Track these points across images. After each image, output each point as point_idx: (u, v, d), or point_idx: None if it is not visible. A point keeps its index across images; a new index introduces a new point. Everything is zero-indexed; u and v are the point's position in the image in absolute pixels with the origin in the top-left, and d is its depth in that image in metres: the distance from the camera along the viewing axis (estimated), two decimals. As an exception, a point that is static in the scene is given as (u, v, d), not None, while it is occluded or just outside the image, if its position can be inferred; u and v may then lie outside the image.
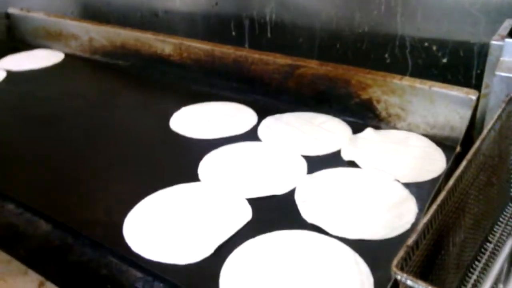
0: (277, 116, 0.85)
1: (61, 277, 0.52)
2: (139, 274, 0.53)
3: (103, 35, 1.17)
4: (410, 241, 0.38)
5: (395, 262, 0.36)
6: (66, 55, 1.23)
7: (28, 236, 0.59)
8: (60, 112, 0.92)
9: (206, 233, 0.56)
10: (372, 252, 0.54)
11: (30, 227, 0.60)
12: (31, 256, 0.55)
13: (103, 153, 0.76)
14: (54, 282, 0.49)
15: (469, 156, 0.47)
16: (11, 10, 1.36)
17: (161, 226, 0.58)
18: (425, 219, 0.40)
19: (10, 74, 1.11)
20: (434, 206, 0.41)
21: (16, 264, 0.50)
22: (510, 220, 0.59)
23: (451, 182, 0.44)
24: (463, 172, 0.45)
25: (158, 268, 0.52)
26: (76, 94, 1.01)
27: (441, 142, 0.74)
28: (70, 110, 0.93)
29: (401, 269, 0.36)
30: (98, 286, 0.51)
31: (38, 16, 1.30)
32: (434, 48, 0.83)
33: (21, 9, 1.35)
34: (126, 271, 0.53)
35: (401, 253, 0.37)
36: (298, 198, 0.62)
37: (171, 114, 0.87)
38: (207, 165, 0.70)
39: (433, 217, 0.41)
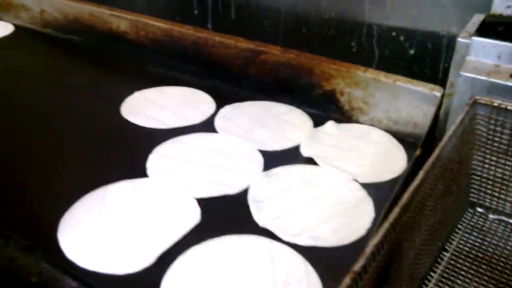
0: (236, 105, 0.81)
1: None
2: (74, 284, 0.48)
3: (56, 7, 1.09)
4: (358, 266, 0.35)
5: (340, 290, 0.33)
6: (16, 27, 1.14)
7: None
8: (2, 90, 0.85)
9: (148, 238, 0.52)
10: (324, 260, 0.51)
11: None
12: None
13: (42, 140, 0.70)
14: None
15: (426, 166, 0.44)
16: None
17: (100, 230, 0.53)
18: (375, 240, 0.37)
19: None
20: (386, 224, 0.38)
21: None
22: (469, 226, 0.57)
23: (405, 196, 0.41)
24: (419, 185, 0.42)
25: (95, 278, 0.48)
26: (23, 70, 0.94)
27: (403, 138, 0.72)
28: (15, 88, 0.86)
29: (347, 297, 0.33)
30: (27, 296, 0.47)
31: (-15, -17, 1.20)
32: (402, 38, 0.79)
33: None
34: (60, 279, 0.49)
35: (346, 281, 0.34)
36: (250, 199, 0.59)
37: (123, 99, 0.82)
38: (157, 159, 0.66)
39: (385, 236, 0.38)
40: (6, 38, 1.10)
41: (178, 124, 0.75)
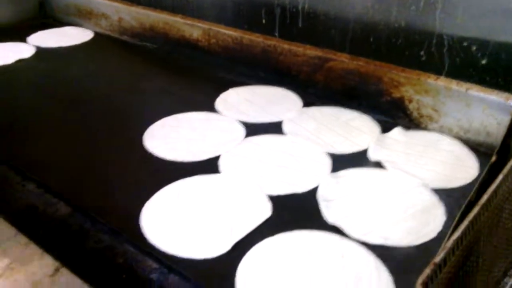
0: (303, 109, 0.83)
1: (77, 263, 0.51)
2: (154, 265, 0.52)
3: (133, 16, 1.16)
4: (438, 258, 0.36)
5: (420, 280, 0.34)
6: (96, 34, 1.23)
7: (47, 218, 0.59)
8: (84, 93, 0.92)
9: (224, 228, 0.55)
10: (394, 259, 0.52)
11: (49, 209, 0.60)
12: (49, 239, 0.55)
13: (123, 138, 0.75)
14: (69, 268, 0.49)
15: (506, 170, 0.44)
16: (44, -14, 1.36)
17: (179, 218, 0.57)
18: (455, 235, 0.37)
19: (40, 50, 1.11)
20: (465, 222, 0.39)
21: (33, 248, 0.50)
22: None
23: (485, 197, 0.41)
24: (498, 186, 0.43)
25: (174, 261, 0.51)
26: (101, 75, 1.01)
27: (475, 147, 0.71)
28: (94, 91, 0.92)
29: (426, 287, 0.34)
30: (114, 275, 0.51)
31: (70, -7, 1.30)
32: (474, 48, 0.79)
33: (54, -15, 1.35)
34: (141, 261, 0.53)
35: (427, 271, 0.35)
36: (320, 198, 0.60)
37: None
38: (229, 157, 0.69)
39: (464, 233, 0.38)
40: (86, 43, 1.18)
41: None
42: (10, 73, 1.00)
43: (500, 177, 0.43)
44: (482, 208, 0.40)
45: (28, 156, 0.71)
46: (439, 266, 0.36)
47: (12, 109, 0.86)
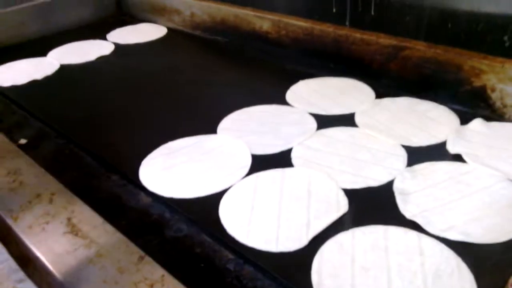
0: (376, 101, 0.81)
1: (158, 251, 0.54)
2: (230, 256, 0.54)
3: (205, 10, 1.18)
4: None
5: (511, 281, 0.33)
6: (169, 29, 1.27)
7: (130, 208, 0.62)
8: (160, 87, 0.96)
9: (301, 222, 0.56)
10: (476, 257, 0.50)
11: (132, 200, 0.64)
12: (132, 228, 0.58)
13: (198, 130, 0.77)
14: (152, 256, 0.52)
15: None
16: (121, -15, 1.43)
17: (256, 210, 0.58)
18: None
19: (118, 47, 1.17)
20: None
21: (118, 237, 0.53)
22: None
23: None
24: None
25: (251, 253, 0.53)
26: (175, 69, 1.04)
27: None
28: (169, 85, 0.96)
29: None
30: (193, 263, 0.53)
31: (144, -10, 1.35)
32: None
33: (129, -17, 1.41)
34: (218, 250, 0.54)
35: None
36: (396, 192, 0.59)
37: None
38: (300, 150, 0.69)
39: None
40: (161, 39, 1.23)
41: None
42: (93, 69, 1.07)
43: None
44: None
45: (110, 147, 0.75)
46: (530, 268, 0.34)
47: (96, 103, 0.91)
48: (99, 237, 0.54)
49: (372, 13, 0.96)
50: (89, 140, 0.77)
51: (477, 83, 0.75)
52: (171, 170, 0.67)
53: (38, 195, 0.61)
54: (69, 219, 0.57)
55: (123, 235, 0.54)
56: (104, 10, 1.41)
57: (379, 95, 0.83)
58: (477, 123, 0.71)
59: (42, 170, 0.66)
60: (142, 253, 0.51)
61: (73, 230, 0.55)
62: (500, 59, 0.73)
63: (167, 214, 0.61)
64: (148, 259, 0.50)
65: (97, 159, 0.72)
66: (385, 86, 0.86)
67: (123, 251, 0.51)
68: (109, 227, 0.55)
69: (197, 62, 1.09)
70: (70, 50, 1.17)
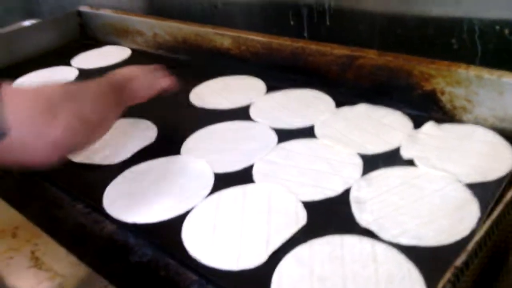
0: (336, 110, 0.83)
1: (124, 278, 0.55)
2: (194, 277, 0.55)
3: (166, 30, 1.20)
4: (459, 262, 0.36)
5: (441, 284, 0.35)
6: (133, 50, 1.28)
7: (95, 236, 0.63)
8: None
9: (261, 238, 0.57)
10: (427, 260, 0.51)
11: (97, 228, 0.65)
12: (97, 257, 0.59)
13: (161, 152, 0.79)
14: (117, 283, 0.53)
15: (532, 165, 0.43)
16: (82, 8, 1.43)
17: (218, 230, 0.59)
18: (476, 237, 0.37)
19: (82, 72, 1.18)
20: (488, 222, 0.39)
21: (82, 268, 0.54)
22: None
23: (509, 194, 0.41)
24: (524, 183, 0.42)
25: (213, 273, 0.54)
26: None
27: (511, 136, 0.69)
28: (133, 106, 0.96)
29: (448, 293, 0.35)
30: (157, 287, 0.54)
31: (106, 13, 1.36)
32: (506, 31, 0.76)
33: (91, 7, 1.42)
34: (182, 273, 0.56)
35: (447, 275, 0.35)
36: (352, 201, 0.61)
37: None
38: (261, 165, 0.71)
39: (487, 234, 0.38)
40: (125, 61, 1.23)
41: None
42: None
43: (526, 173, 0.43)
44: (506, 206, 0.40)
45: (74, 175, 0.76)
46: (461, 270, 0.36)
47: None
48: (63, 269, 0.55)
49: (328, 23, 0.99)
50: (52, 169, 0.78)
51: (427, 87, 0.78)
52: (135, 195, 0.68)
53: (2, 230, 0.61)
54: (33, 253, 0.57)
55: (87, 265, 0.55)
56: (68, 36, 1.41)
57: (339, 104, 0.85)
58: (429, 127, 0.73)
59: (4, 203, 0.66)
60: (106, 282, 0.52)
61: (37, 263, 0.56)
62: (446, 62, 0.76)
63: (132, 240, 0.62)
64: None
65: (61, 189, 0.73)
66: (344, 95, 0.88)
67: (87, 283, 0.52)
68: (73, 259, 0.56)
69: (161, 82, 1.10)
70: (33, 79, 1.17)
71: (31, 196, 0.73)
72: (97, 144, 0.71)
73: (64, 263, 0.55)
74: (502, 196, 0.43)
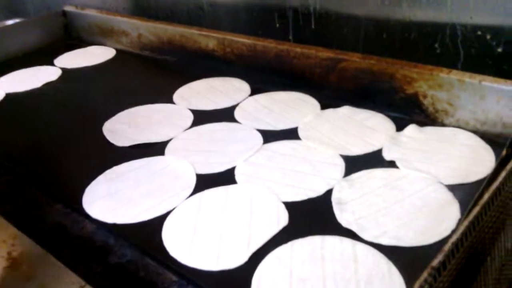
0: (320, 112, 0.84)
1: (102, 279, 0.54)
2: (174, 278, 0.54)
3: (151, 31, 1.19)
4: (436, 262, 0.36)
5: (417, 284, 0.35)
6: (118, 51, 1.27)
7: (74, 236, 0.62)
8: (106, 109, 0.94)
9: (242, 239, 0.57)
10: (407, 260, 0.52)
11: (76, 228, 0.64)
12: (76, 257, 0.58)
13: (146, 153, 0.78)
14: (95, 284, 0.52)
15: (509, 166, 0.44)
16: (67, 8, 1.42)
17: (199, 230, 0.59)
18: (453, 238, 0.38)
19: (65, 72, 1.17)
20: (465, 223, 0.39)
21: (59, 267, 0.53)
22: None
23: (486, 196, 0.41)
24: (502, 184, 0.42)
25: (192, 273, 0.53)
26: (124, 90, 1.05)
27: (492, 139, 0.70)
28: (117, 106, 0.95)
29: (425, 292, 0.35)
30: (136, 288, 0.54)
31: (91, 13, 1.35)
32: (488, 36, 0.77)
33: (76, 6, 1.40)
34: (162, 273, 0.55)
35: (424, 275, 0.35)
36: (334, 201, 0.61)
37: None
38: (244, 166, 0.71)
39: (464, 234, 0.39)
40: (109, 61, 1.22)
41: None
42: (38, 96, 1.06)
43: (503, 173, 0.43)
44: (483, 207, 0.40)
45: (54, 175, 0.75)
46: (438, 270, 0.36)
47: (39, 130, 0.90)
48: (39, 270, 0.53)
49: (313, 26, 0.99)
50: (32, 169, 0.77)
51: (409, 90, 0.78)
52: (115, 195, 0.67)
53: (-22, 231, 0.60)
54: (9, 253, 0.56)
55: (65, 265, 0.54)
56: (52, 35, 1.40)
57: (323, 107, 0.86)
58: (411, 129, 0.74)
59: (-19, 203, 0.65)
60: (82, 282, 0.51)
61: (14, 264, 0.55)
62: (429, 67, 0.76)
63: (111, 240, 0.61)
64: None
65: (41, 189, 0.72)
66: (328, 97, 0.88)
67: (64, 282, 0.51)
68: (50, 258, 0.55)
69: (146, 83, 1.09)
70: (16, 78, 1.15)
71: (9, 195, 0.72)
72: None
73: (41, 263, 0.54)
74: (480, 197, 0.43)
